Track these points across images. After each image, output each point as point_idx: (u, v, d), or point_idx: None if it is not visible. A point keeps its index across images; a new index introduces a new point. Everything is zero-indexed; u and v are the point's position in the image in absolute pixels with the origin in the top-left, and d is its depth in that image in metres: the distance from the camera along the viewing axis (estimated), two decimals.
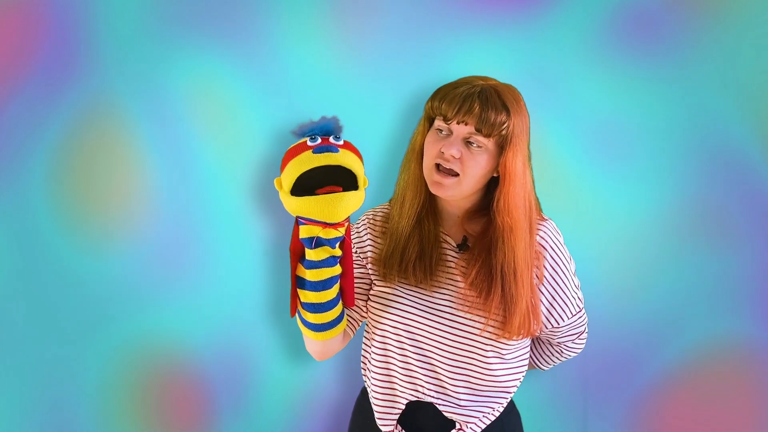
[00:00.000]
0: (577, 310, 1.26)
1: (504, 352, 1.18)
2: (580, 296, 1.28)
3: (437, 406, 1.20)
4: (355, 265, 1.24)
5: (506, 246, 1.13)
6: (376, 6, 1.46)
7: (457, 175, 1.12)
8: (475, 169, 1.12)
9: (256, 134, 1.47)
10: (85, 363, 1.50)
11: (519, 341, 1.20)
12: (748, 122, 1.49)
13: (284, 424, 1.57)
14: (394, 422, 1.22)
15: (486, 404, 1.21)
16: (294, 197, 0.99)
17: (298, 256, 1.08)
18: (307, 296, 1.07)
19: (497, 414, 1.23)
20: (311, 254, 1.03)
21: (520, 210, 1.14)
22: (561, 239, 1.23)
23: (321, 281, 1.05)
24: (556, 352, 1.37)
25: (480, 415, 1.21)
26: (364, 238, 1.25)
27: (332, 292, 1.08)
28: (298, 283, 1.09)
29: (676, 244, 1.53)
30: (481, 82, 1.13)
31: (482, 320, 1.15)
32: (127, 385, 1.52)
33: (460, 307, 1.17)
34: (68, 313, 1.48)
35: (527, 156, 1.17)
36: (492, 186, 1.18)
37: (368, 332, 1.27)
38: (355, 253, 1.25)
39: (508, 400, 1.25)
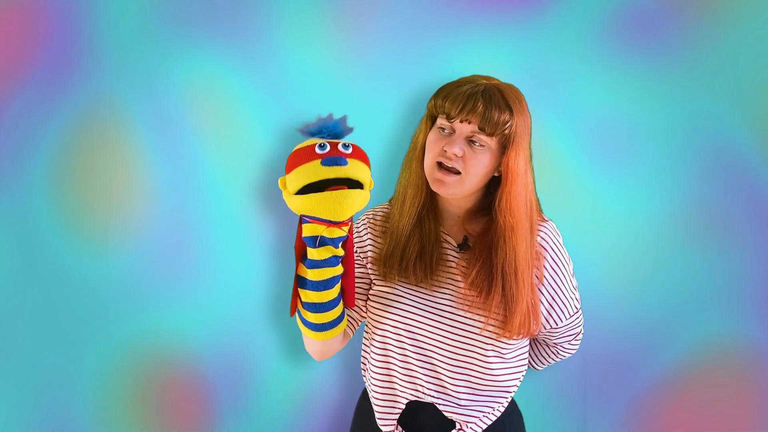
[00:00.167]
0: (575, 310, 1.27)
1: (504, 351, 1.18)
2: (578, 297, 1.28)
3: (437, 406, 1.20)
4: (355, 265, 1.23)
5: (507, 245, 1.13)
6: (377, 6, 1.46)
7: (458, 173, 1.12)
8: (477, 168, 1.12)
9: (258, 134, 1.47)
10: (85, 363, 1.49)
11: (519, 341, 1.20)
12: (748, 122, 1.49)
13: (284, 424, 1.56)
14: (395, 422, 1.22)
15: (486, 404, 1.21)
16: (298, 195, 0.98)
17: (301, 255, 1.07)
18: (308, 296, 1.07)
19: (498, 414, 1.23)
20: (314, 253, 1.03)
21: (522, 209, 1.14)
22: (561, 240, 1.23)
23: (323, 281, 1.05)
24: (552, 352, 1.37)
25: (480, 415, 1.21)
26: (364, 237, 1.25)
27: (333, 292, 1.08)
28: (300, 282, 1.08)
29: (676, 245, 1.53)
30: (484, 81, 1.14)
31: (482, 320, 1.15)
32: (128, 385, 1.52)
33: (461, 307, 1.17)
34: (69, 314, 1.47)
35: (529, 156, 1.18)
36: (492, 186, 1.18)
37: (368, 332, 1.27)
38: (356, 252, 1.25)
39: (509, 401, 1.25)
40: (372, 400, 1.25)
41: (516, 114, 1.11)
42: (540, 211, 1.24)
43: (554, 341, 1.32)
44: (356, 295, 1.23)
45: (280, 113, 1.45)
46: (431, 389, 1.19)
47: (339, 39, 1.46)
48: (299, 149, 0.99)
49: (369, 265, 1.24)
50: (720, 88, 1.48)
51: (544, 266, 1.20)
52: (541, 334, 1.28)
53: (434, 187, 1.15)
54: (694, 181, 1.51)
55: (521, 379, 1.25)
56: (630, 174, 1.51)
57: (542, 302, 1.20)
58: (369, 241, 1.25)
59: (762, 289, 1.54)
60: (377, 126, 1.47)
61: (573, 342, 1.34)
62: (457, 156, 1.11)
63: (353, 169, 0.97)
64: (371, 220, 1.26)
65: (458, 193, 1.15)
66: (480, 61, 1.46)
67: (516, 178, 1.13)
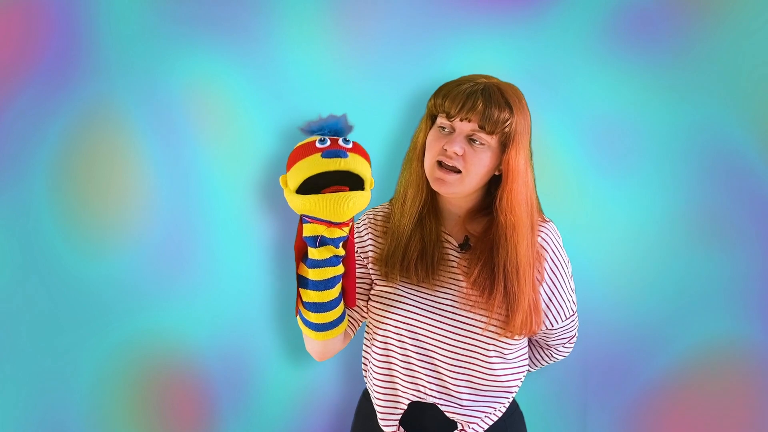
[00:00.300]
0: (571, 313, 1.27)
1: (506, 351, 1.18)
2: (575, 300, 1.28)
3: (439, 406, 1.20)
4: (356, 265, 1.23)
5: (509, 244, 1.13)
6: (377, 6, 1.46)
7: (459, 172, 1.12)
8: (477, 167, 1.12)
9: (258, 134, 1.46)
10: (85, 364, 1.49)
11: (520, 340, 1.20)
12: (748, 122, 1.49)
13: (285, 425, 1.56)
14: (397, 423, 1.22)
15: (488, 404, 1.21)
16: (299, 195, 0.98)
17: (301, 255, 1.07)
18: (309, 295, 1.07)
19: (499, 414, 1.23)
20: (314, 253, 1.03)
21: (523, 208, 1.14)
22: (561, 242, 1.24)
23: (323, 281, 1.05)
24: (546, 355, 1.38)
25: (482, 415, 1.21)
26: (365, 237, 1.25)
27: (334, 292, 1.07)
28: (300, 282, 1.08)
29: (676, 245, 1.53)
30: (484, 80, 1.14)
31: (485, 319, 1.15)
32: (127, 385, 1.51)
33: (463, 307, 1.16)
34: (69, 314, 1.46)
35: (529, 154, 1.18)
36: (493, 185, 1.19)
37: (369, 332, 1.26)
38: (356, 252, 1.25)
39: (510, 401, 1.25)
40: (374, 401, 1.25)
41: (516, 112, 1.11)
42: (540, 210, 1.24)
43: (548, 343, 1.33)
44: (357, 296, 1.23)
45: (280, 113, 1.45)
46: (433, 389, 1.19)
47: (339, 39, 1.46)
48: (300, 145, 1.00)
49: (370, 265, 1.24)
50: (720, 88, 1.48)
51: (544, 267, 1.20)
52: (536, 335, 1.29)
53: (435, 186, 1.15)
54: (694, 181, 1.51)
55: (522, 380, 1.25)
56: (630, 174, 1.51)
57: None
58: (370, 241, 1.24)
59: (761, 291, 1.54)
60: (378, 126, 1.47)
61: (567, 345, 1.35)
62: (457, 155, 1.11)
63: (353, 162, 0.96)
64: (372, 221, 1.26)
65: (459, 191, 1.14)
66: (480, 60, 1.46)
67: (516, 176, 1.13)
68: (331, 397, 1.56)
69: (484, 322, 1.15)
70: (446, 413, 1.20)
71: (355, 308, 1.24)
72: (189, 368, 1.52)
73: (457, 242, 1.21)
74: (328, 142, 0.97)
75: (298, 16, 1.45)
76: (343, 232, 1.02)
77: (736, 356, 1.56)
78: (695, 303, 1.54)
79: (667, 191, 1.52)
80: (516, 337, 1.16)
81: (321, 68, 1.46)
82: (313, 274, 1.04)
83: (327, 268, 1.04)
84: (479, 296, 1.15)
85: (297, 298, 1.10)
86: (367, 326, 1.27)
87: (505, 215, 1.13)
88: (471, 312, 1.16)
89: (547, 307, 1.22)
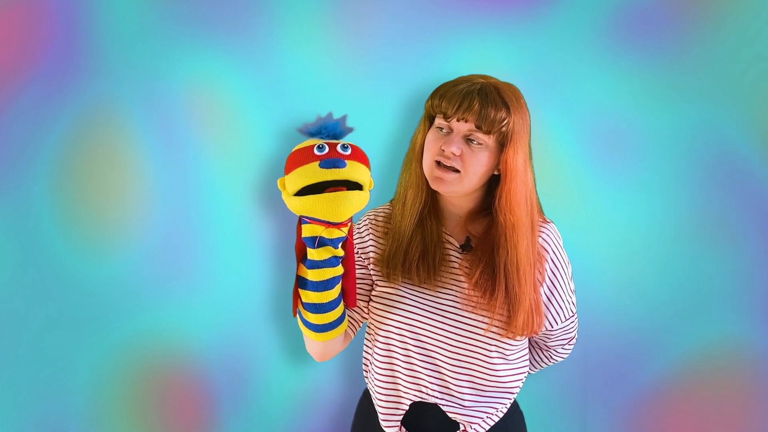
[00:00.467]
0: (571, 314, 1.27)
1: (507, 352, 1.18)
2: (574, 301, 1.28)
3: (441, 406, 1.19)
4: (356, 266, 1.23)
5: (509, 243, 1.13)
6: (377, 6, 1.46)
7: (458, 171, 1.12)
8: (475, 166, 1.12)
9: (258, 135, 1.47)
10: (86, 364, 1.49)
11: (522, 340, 1.20)
12: (748, 123, 1.48)
13: (285, 425, 1.56)
14: (398, 423, 1.22)
15: (490, 405, 1.20)
16: (297, 196, 0.98)
17: (301, 256, 1.07)
18: (308, 296, 1.07)
19: (500, 415, 1.23)
20: (313, 254, 1.03)
21: (522, 207, 1.14)
22: (561, 242, 1.23)
23: (323, 281, 1.05)
24: (545, 356, 1.37)
25: (484, 416, 1.20)
26: (366, 238, 1.25)
27: (334, 293, 1.07)
28: (300, 283, 1.08)
29: (677, 246, 1.53)
30: (481, 80, 1.14)
31: (486, 320, 1.15)
32: (128, 386, 1.51)
33: (465, 308, 1.16)
34: (70, 315, 1.47)
35: (528, 154, 1.17)
36: (493, 186, 1.18)
37: (370, 333, 1.26)
38: (357, 253, 1.25)
39: (511, 401, 1.24)
40: (375, 402, 1.24)
41: (513, 111, 1.11)
42: (541, 211, 1.24)
43: (548, 344, 1.32)
44: (358, 296, 1.22)
45: (279, 113, 1.45)
46: (435, 390, 1.19)
47: (339, 39, 1.46)
48: (298, 150, 0.99)
49: (371, 266, 1.24)
50: (721, 88, 1.48)
51: (545, 267, 1.20)
52: (535, 336, 1.28)
53: (434, 186, 1.15)
54: (694, 183, 1.51)
55: (523, 380, 1.24)
56: (630, 175, 1.51)
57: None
58: (371, 242, 1.24)
59: (761, 293, 1.53)
60: (377, 126, 1.47)
61: (566, 347, 1.34)
62: (455, 155, 1.11)
63: (351, 170, 0.96)
64: (373, 221, 1.26)
65: (458, 191, 1.14)
66: (480, 61, 1.45)
67: (515, 175, 1.12)
68: (332, 397, 1.56)
69: (486, 323, 1.15)
70: (448, 414, 1.20)
71: (356, 309, 1.24)
72: (189, 368, 1.52)
73: (458, 243, 1.21)
74: (327, 149, 0.97)
75: (298, 17, 1.45)
76: (342, 233, 1.02)
77: (735, 358, 1.55)
78: (695, 305, 1.54)
79: (668, 192, 1.51)
80: (518, 337, 1.16)
81: (321, 69, 1.46)
82: (312, 275, 1.04)
83: (326, 268, 1.04)
84: (481, 297, 1.15)
85: (295, 299, 1.10)
86: (368, 327, 1.27)
87: (505, 215, 1.13)
88: (473, 313, 1.16)
89: (547, 308, 1.21)
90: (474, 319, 1.16)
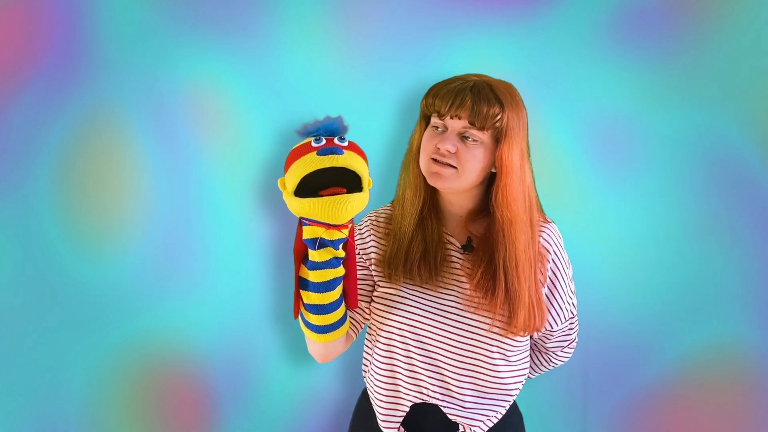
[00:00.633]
0: (571, 315, 1.27)
1: (509, 353, 1.18)
2: (575, 303, 1.28)
3: (442, 408, 1.19)
4: (358, 267, 1.23)
5: (507, 240, 1.13)
6: (376, 6, 1.45)
7: (455, 168, 1.12)
8: (471, 163, 1.12)
9: (257, 135, 1.47)
10: (86, 364, 1.49)
11: (523, 341, 1.20)
12: (747, 122, 1.48)
13: (284, 426, 1.56)
14: (398, 424, 1.21)
15: (490, 407, 1.20)
16: (297, 198, 0.98)
17: (301, 257, 1.07)
18: (310, 297, 1.07)
19: (500, 416, 1.23)
20: (314, 255, 1.03)
21: (519, 203, 1.13)
22: (562, 243, 1.23)
23: (324, 282, 1.05)
24: (545, 359, 1.37)
25: (484, 418, 1.20)
26: (368, 239, 1.25)
27: (335, 294, 1.07)
28: (301, 284, 1.08)
29: (677, 247, 1.53)
30: (475, 77, 1.14)
31: (488, 321, 1.15)
32: (128, 386, 1.51)
33: (467, 308, 1.16)
34: (70, 316, 1.47)
35: (525, 151, 1.17)
36: (492, 184, 1.18)
37: (371, 334, 1.26)
38: (358, 254, 1.25)
39: (510, 403, 1.24)
40: (375, 402, 1.24)
41: (507, 107, 1.11)
42: (541, 210, 1.24)
43: (546, 346, 1.32)
44: (359, 297, 1.23)
45: (279, 114, 1.45)
46: (436, 391, 1.19)
47: (339, 39, 1.46)
48: (296, 147, 1.00)
49: (373, 267, 1.24)
50: (720, 88, 1.48)
51: (547, 267, 1.20)
52: (536, 336, 1.28)
53: (431, 182, 1.15)
54: (694, 183, 1.51)
55: (523, 382, 1.24)
56: (630, 176, 1.51)
57: None
58: (372, 243, 1.24)
59: (760, 293, 1.53)
60: (377, 127, 1.47)
61: (566, 350, 1.34)
62: (450, 152, 1.11)
63: (349, 158, 0.96)
64: (374, 222, 1.26)
65: (455, 186, 1.14)
66: (480, 61, 1.45)
67: (510, 171, 1.12)
68: (331, 398, 1.57)
69: (488, 324, 1.15)
70: (448, 415, 1.19)
71: (357, 310, 1.24)
72: (189, 369, 1.52)
73: (459, 243, 1.21)
74: (324, 141, 0.97)
75: (298, 17, 1.45)
76: (343, 234, 1.02)
77: (736, 360, 1.55)
78: (695, 306, 1.54)
79: (668, 193, 1.51)
80: (520, 334, 1.16)
81: (321, 69, 1.46)
82: (313, 276, 1.04)
83: (327, 269, 1.04)
84: (482, 298, 1.15)
85: (296, 300, 1.10)
86: (369, 328, 1.27)
87: (501, 211, 1.13)
88: (474, 314, 1.16)
89: (546, 308, 1.21)
90: (476, 320, 1.16)
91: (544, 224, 1.21)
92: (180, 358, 1.51)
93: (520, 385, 1.23)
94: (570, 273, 1.25)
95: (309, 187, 0.97)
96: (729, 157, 1.50)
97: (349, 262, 1.09)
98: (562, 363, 1.39)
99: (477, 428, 1.20)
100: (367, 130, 1.41)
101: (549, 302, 1.21)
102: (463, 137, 1.12)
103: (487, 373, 1.17)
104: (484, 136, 1.11)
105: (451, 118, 1.11)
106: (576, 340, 1.34)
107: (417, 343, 1.18)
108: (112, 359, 1.49)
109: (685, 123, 1.49)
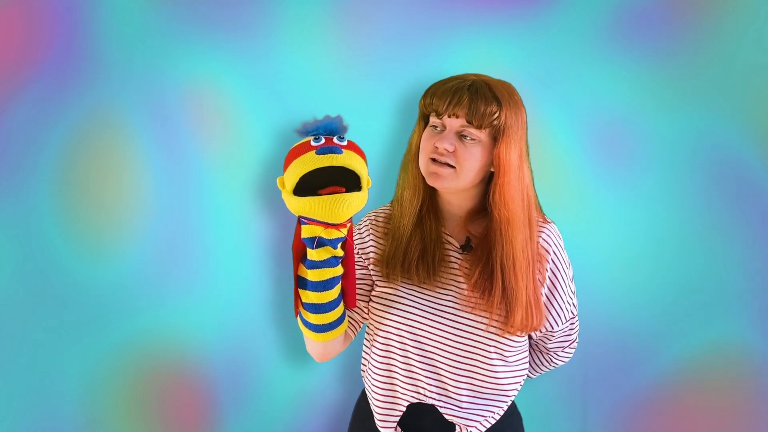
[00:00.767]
0: (571, 316, 1.27)
1: (507, 353, 1.18)
2: (575, 303, 1.28)
3: (438, 408, 1.19)
4: (357, 267, 1.23)
5: (504, 239, 1.13)
6: (376, 6, 1.46)
7: (453, 167, 1.12)
8: (470, 162, 1.12)
9: (257, 135, 1.47)
10: (85, 365, 1.49)
11: (521, 341, 1.19)
12: (747, 122, 1.48)
13: (284, 426, 1.56)
14: (395, 424, 1.21)
15: (487, 407, 1.20)
16: (296, 197, 0.98)
17: (299, 256, 1.07)
18: (308, 296, 1.07)
19: (498, 417, 1.22)
20: (313, 254, 1.03)
21: (517, 202, 1.13)
22: (562, 243, 1.23)
23: (322, 281, 1.05)
24: (546, 360, 1.37)
25: (481, 418, 1.20)
26: (367, 239, 1.25)
27: (333, 293, 1.07)
28: (300, 283, 1.08)
29: (677, 247, 1.53)
30: (473, 77, 1.14)
31: (485, 321, 1.15)
32: (127, 386, 1.51)
33: (464, 308, 1.16)
34: (70, 315, 1.47)
35: (524, 150, 1.17)
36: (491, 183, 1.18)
37: (369, 333, 1.26)
38: (357, 254, 1.25)
39: (508, 404, 1.24)
40: (372, 402, 1.24)
41: (505, 106, 1.11)
42: (540, 210, 1.24)
43: (547, 346, 1.32)
44: (358, 297, 1.23)
45: (279, 114, 1.45)
46: (433, 391, 1.19)
47: (339, 39, 1.46)
48: (295, 146, 1.00)
49: (371, 267, 1.24)
50: (720, 87, 1.48)
51: (546, 267, 1.19)
52: (536, 337, 1.28)
53: (430, 181, 1.15)
54: (693, 182, 1.51)
55: (522, 383, 1.24)
56: (630, 176, 1.51)
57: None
58: (371, 243, 1.24)
59: (760, 294, 1.53)
60: (377, 127, 1.47)
61: (567, 350, 1.34)
62: (448, 151, 1.11)
63: (348, 158, 0.97)
64: (373, 222, 1.26)
65: (454, 186, 1.14)
66: (480, 61, 1.45)
67: (508, 170, 1.12)
68: (331, 398, 1.57)
69: (485, 323, 1.15)
70: (445, 415, 1.19)
71: (356, 309, 1.24)
72: (188, 369, 1.52)
73: (458, 244, 1.21)
74: (323, 141, 0.98)
75: (298, 18, 1.45)
76: (341, 233, 1.02)
77: (736, 361, 1.55)
78: (695, 306, 1.54)
79: (668, 194, 1.51)
80: (518, 333, 1.16)
81: (320, 69, 1.46)
82: (312, 275, 1.04)
83: (326, 269, 1.04)
84: (479, 298, 1.15)
85: (295, 299, 1.10)
86: (368, 327, 1.27)
87: (499, 210, 1.13)
88: (472, 313, 1.16)
89: (547, 309, 1.21)
90: (473, 320, 1.16)
91: (544, 224, 1.21)
92: (180, 358, 1.51)
93: (518, 386, 1.23)
94: (570, 273, 1.24)
95: (308, 186, 0.97)
96: (728, 156, 1.50)
97: (347, 261, 1.09)
98: (563, 363, 1.39)
99: (474, 428, 1.19)
100: (367, 130, 1.41)
101: (549, 302, 1.21)
102: (461, 136, 1.12)
103: (484, 374, 1.17)
104: (482, 135, 1.11)
105: (449, 117, 1.11)
106: (577, 340, 1.34)
107: (414, 342, 1.18)
108: (112, 359, 1.49)
109: (684, 123, 1.49)
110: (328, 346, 1.16)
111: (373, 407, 1.24)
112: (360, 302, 1.24)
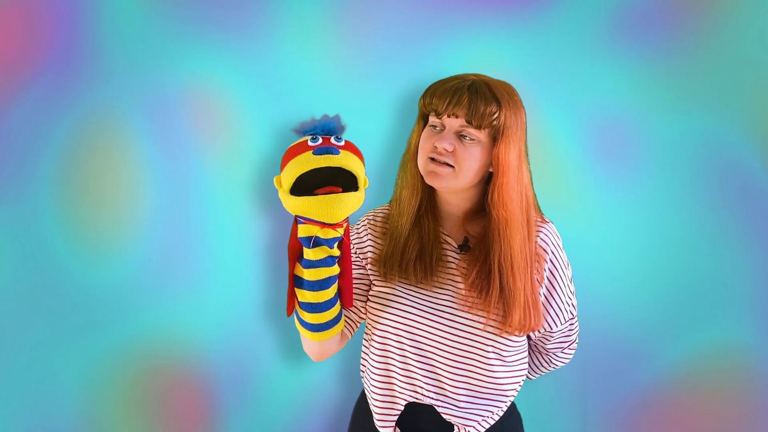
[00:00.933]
0: (570, 316, 1.26)
1: (505, 353, 1.17)
2: (575, 303, 1.27)
3: (436, 407, 1.19)
4: (354, 266, 1.23)
5: (502, 239, 1.12)
6: (375, 6, 1.46)
7: (452, 167, 1.12)
8: (469, 162, 1.11)
9: (257, 135, 1.47)
10: (85, 365, 1.49)
11: (520, 341, 1.19)
12: (747, 122, 1.48)
13: (283, 426, 1.56)
14: (393, 424, 1.21)
15: (485, 407, 1.20)
16: (293, 197, 0.98)
17: (296, 255, 1.08)
18: (304, 296, 1.07)
19: (496, 418, 1.22)
20: (309, 254, 1.03)
21: (515, 203, 1.13)
22: (561, 243, 1.23)
23: (319, 281, 1.05)
24: (545, 360, 1.36)
25: (479, 418, 1.20)
26: (365, 238, 1.25)
27: (330, 292, 1.07)
28: (296, 282, 1.08)
29: (676, 248, 1.52)
30: (473, 77, 1.14)
31: (483, 320, 1.14)
32: (127, 386, 1.52)
33: (461, 308, 1.16)
34: (70, 316, 1.47)
35: (523, 151, 1.17)
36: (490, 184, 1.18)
37: (368, 333, 1.26)
38: (355, 253, 1.25)
39: (507, 405, 1.24)
40: (371, 402, 1.24)
41: (504, 106, 1.11)
42: (539, 210, 1.23)
43: (546, 347, 1.31)
44: (355, 297, 1.23)
45: (278, 114, 1.45)
46: (430, 391, 1.18)
47: (339, 39, 1.46)
48: (292, 145, 1.00)
49: (369, 266, 1.24)
50: (720, 87, 1.47)
51: (544, 268, 1.19)
52: (535, 337, 1.27)
53: (429, 181, 1.14)
54: (693, 183, 1.50)
55: (521, 384, 1.24)
56: (629, 176, 1.50)
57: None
58: (369, 242, 1.24)
59: (761, 295, 1.52)
60: (376, 127, 1.47)
61: (566, 351, 1.33)
62: (447, 151, 1.11)
63: (345, 158, 0.97)
64: (371, 222, 1.26)
65: (453, 185, 1.14)
66: (480, 61, 1.45)
67: (507, 170, 1.12)
68: (331, 398, 1.56)
69: (483, 323, 1.15)
70: (443, 415, 1.19)
71: (353, 309, 1.24)
72: (187, 369, 1.52)
73: (456, 243, 1.21)
74: (320, 141, 0.98)
75: (297, 18, 1.45)
76: (338, 233, 1.02)
77: (735, 361, 1.55)
78: (695, 307, 1.53)
79: (668, 194, 1.51)
80: (516, 334, 1.15)
81: (319, 69, 1.46)
82: (308, 275, 1.05)
83: (322, 268, 1.04)
84: (477, 298, 1.14)
85: (291, 299, 1.10)
86: (366, 327, 1.27)
87: (498, 210, 1.12)
88: (469, 313, 1.15)
89: (546, 309, 1.21)
90: (470, 319, 1.15)
91: (542, 224, 1.21)
92: (180, 358, 1.52)
93: (517, 387, 1.23)
94: (569, 273, 1.24)
95: (305, 185, 0.98)
96: (728, 156, 1.49)
97: (344, 261, 1.09)
98: (563, 365, 1.38)
99: (472, 428, 1.19)
100: (366, 130, 1.41)
101: (547, 302, 1.21)
102: (460, 136, 1.12)
103: (482, 374, 1.17)
104: (482, 135, 1.11)
105: (449, 116, 1.11)
106: (576, 341, 1.33)
107: (412, 342, 1.18)
108: (112, 359, 1.50)
109: (685, 123, 1.49)
110: (325, 345, 1.16)
111: (371, 407, 1.24)
112: (357, 302, 1.24)
